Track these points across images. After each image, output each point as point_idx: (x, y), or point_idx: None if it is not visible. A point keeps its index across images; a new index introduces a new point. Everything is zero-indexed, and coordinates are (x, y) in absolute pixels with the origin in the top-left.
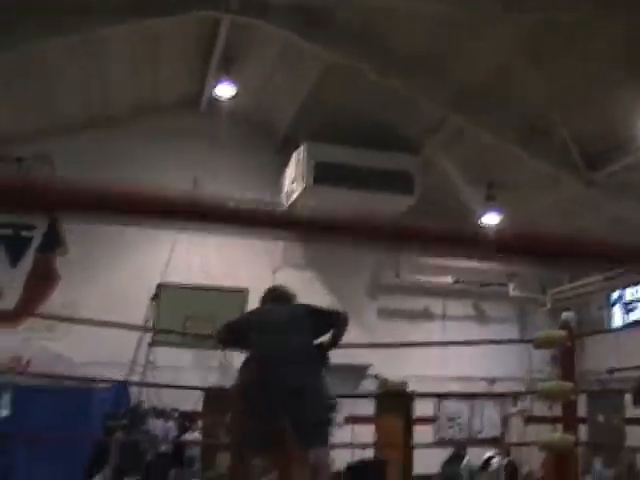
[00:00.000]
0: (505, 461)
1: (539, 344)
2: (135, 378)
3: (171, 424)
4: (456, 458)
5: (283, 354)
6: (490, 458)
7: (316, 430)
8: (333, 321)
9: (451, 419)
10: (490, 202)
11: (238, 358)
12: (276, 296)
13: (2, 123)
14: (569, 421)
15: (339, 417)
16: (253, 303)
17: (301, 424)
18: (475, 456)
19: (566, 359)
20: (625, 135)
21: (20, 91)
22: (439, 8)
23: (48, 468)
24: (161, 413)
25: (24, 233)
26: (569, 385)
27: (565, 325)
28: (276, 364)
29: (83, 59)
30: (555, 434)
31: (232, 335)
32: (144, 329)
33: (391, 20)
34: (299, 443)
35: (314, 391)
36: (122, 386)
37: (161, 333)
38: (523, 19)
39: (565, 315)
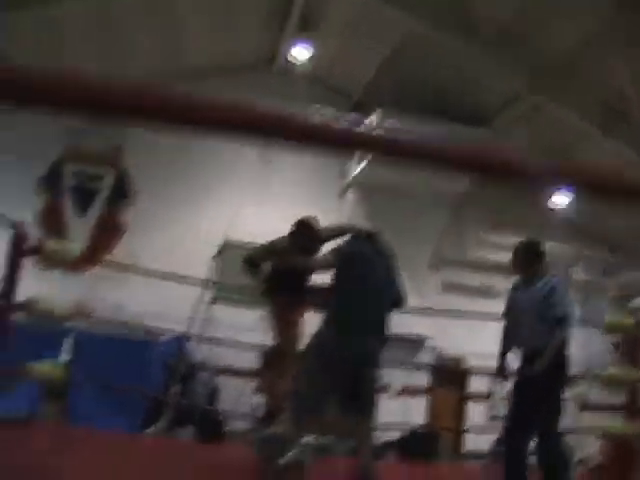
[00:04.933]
0: None
1: (609, 329)
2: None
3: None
4: None
5: (371, 319)
6: None
7: (370, 401)
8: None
9: (506, 399)
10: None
11: None
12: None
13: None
14: (632, 410)
15: (394, 387)
16: None
17: (365, 393)
18: None
19: (631, 346)
20: None
21: (93, 43)
22: None
23: (109, 414)
24: (209, 369)
25: (93, 184)
26: (636, 373)
27: (635, 312)
28: (360, 329)
29: (159, 16)
30: (618, 423)
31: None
32: (206, 283)
33: None
34: (357, 412)
35: (376, 363)
36: (180, 340)
37: (222, 289)
38: None
39: (636, 302)
